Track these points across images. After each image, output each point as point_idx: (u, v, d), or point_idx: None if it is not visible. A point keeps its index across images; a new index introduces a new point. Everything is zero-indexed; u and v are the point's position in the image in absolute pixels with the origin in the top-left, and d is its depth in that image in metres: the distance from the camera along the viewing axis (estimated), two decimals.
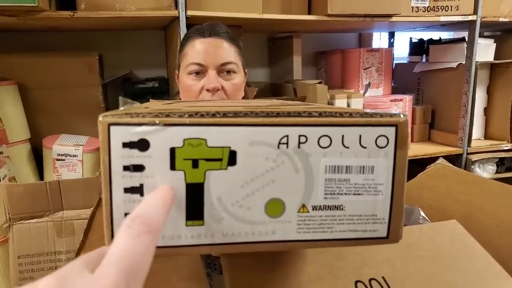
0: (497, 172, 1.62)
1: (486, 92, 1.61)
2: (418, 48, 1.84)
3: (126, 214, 0.25)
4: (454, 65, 1.57)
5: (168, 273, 0.38)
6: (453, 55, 1.61)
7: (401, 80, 1.89)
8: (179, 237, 0.26)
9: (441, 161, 0.66)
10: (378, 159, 0.27)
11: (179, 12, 1.12)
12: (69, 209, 0.92)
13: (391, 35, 1.99)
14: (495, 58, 1.64)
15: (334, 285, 0.33)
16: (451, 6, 1.44)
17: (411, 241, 0.39)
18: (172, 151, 0.25)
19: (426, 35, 1.85)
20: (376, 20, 1.35)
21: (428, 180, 0.62)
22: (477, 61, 1.49)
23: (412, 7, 1.41)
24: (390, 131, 0.26)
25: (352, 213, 0.27)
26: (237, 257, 0.34)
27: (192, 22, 1.07)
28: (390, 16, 1.35)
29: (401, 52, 2.04)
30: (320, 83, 1.43)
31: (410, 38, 1.89)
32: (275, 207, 0.26)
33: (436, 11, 1.43)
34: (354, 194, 0.27)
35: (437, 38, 1.81)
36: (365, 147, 0.26)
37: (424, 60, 1.84)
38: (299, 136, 0.26)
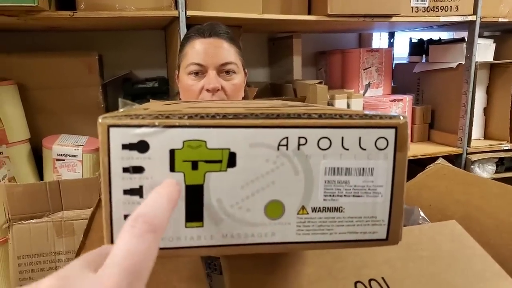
0: (496, 172, 1.62)
1: (485, 92, 1.61)
2: (418, 48, 1.84)
3: (125, 216, 0.25)
4: (454, 65, 1.57)
5: (169, 274, 0.38)
6: (453, 55, 1.61)
7: (401, 80, 1.88)
8: (178, 238, 0.26)
9: (440, 161, 0.66)
10: (378, 161, 0.27)
11: (179, 12, 1.12)
12: (69, 209, 0.92)
13: (391, 35, 1.99)
14: (494, 58, 1.64)
15: (334, 286, 0.33)
16: (451, 6, 1.44)
17: (410, 242, 0.39)
18: (172, 152, 0.25)
19: (426, 35, 1.85)
20: (376, 20, 1.35)
21: (427, 180, 0.62)
22: (476, 61, 1.49)
23: (412, 7, 1.41)
24: (390, 133, 0.26)
25: (352, 215, 0.27)
26: (237, 259, 0.34)
27: (192, 22, 1.07)
28: (390, 16, 1.35)
29: (401, 52, 2.04)
30: (320, 83, 1.43)
31: (410, 38, 1.89)
32: (274, 209, 0.26)
33: (436, 11, 1.43)
34: (353, 196, 0.27)
35: (437, 38, 1.81)
36: (364, 149, 0.26)
37: (424, 60, 1.84)
38: (299, 138, 0.26)
